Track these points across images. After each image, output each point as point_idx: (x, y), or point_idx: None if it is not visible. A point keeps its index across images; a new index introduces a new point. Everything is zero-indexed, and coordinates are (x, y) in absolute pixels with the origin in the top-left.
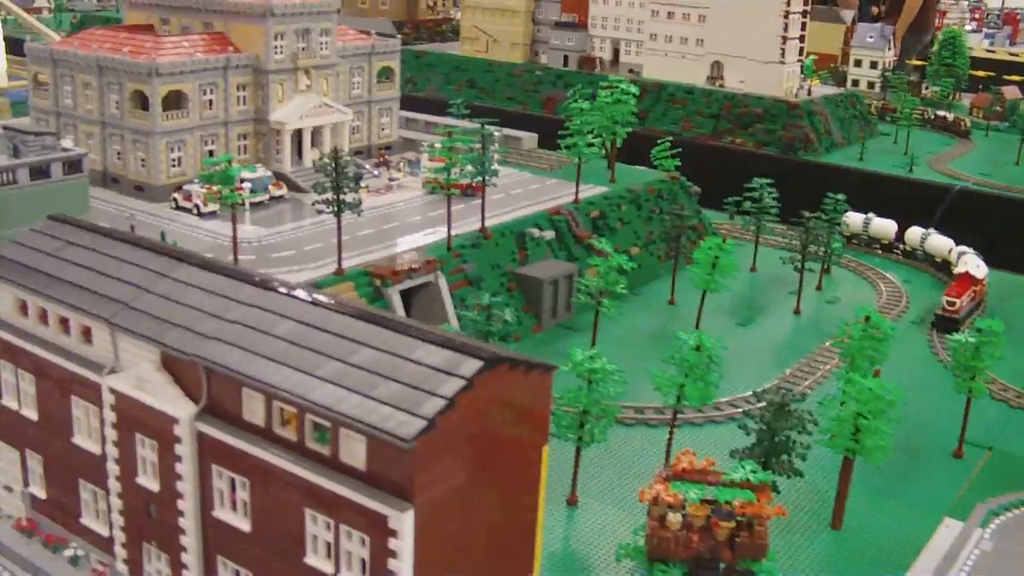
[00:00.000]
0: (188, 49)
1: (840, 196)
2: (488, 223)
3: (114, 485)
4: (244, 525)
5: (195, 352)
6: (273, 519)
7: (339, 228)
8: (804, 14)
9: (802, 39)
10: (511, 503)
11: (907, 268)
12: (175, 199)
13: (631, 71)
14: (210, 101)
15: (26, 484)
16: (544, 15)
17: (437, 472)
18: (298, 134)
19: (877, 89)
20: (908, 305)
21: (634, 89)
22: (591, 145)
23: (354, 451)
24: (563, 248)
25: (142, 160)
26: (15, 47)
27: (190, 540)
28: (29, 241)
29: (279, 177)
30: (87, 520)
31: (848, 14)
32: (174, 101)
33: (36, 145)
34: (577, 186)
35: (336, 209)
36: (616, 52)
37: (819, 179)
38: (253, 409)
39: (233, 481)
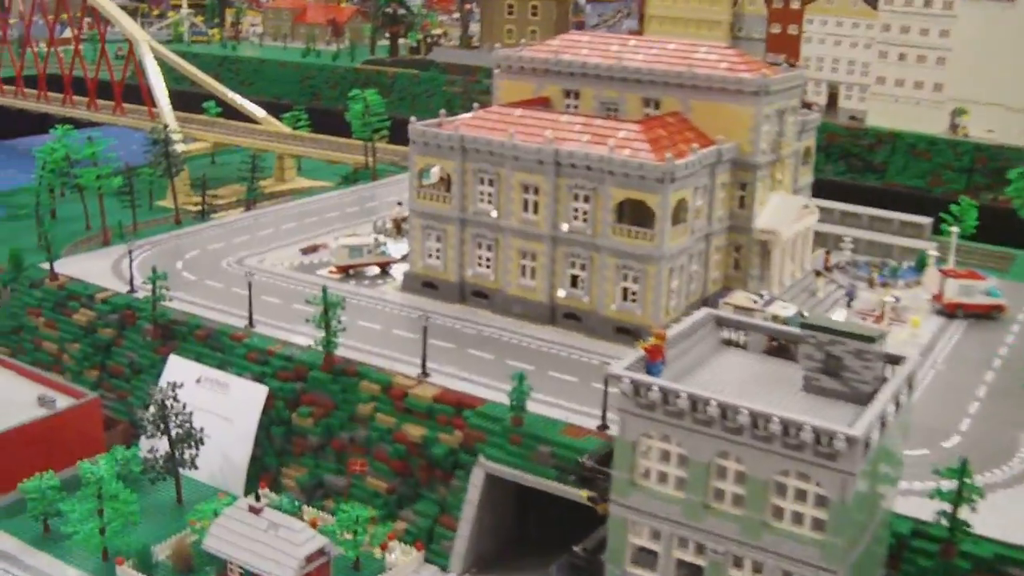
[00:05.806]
0: (668, 137)
1: None
2: None
3: None
4: None
5: None
6: None
7: None
8: None
9: None
10: None
11: None
12: None
13: (852, 118)
14: (698, 209)
15: None
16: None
17: None
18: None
19: None
20: None
21: None
22: None
23: None
24: None
25: (632, 293)
26: (188, 101)
27: None
28: None
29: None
30: None
31: None
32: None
33: (857, 366)
34: None
35: None
36: (833, 96)
37: None
38: None
39: None
